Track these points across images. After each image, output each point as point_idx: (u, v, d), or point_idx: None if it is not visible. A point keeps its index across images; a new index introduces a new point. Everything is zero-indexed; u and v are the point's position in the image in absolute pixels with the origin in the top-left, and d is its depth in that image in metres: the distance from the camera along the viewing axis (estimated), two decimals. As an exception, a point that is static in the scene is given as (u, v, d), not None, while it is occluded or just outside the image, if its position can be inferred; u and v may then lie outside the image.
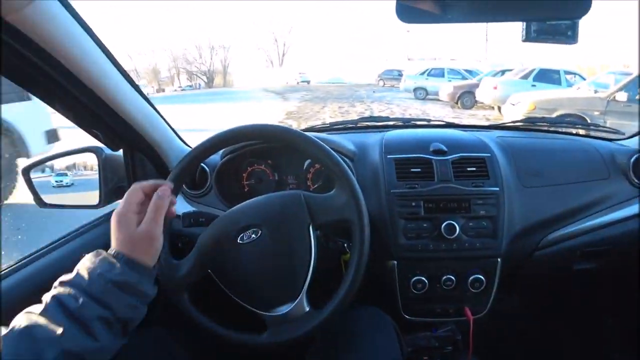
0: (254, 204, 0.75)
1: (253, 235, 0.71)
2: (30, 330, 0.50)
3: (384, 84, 21.49)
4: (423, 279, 0.94)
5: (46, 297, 0.53)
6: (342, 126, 1.30)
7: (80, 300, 0.52)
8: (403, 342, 0.82)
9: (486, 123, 1.32)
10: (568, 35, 0.71)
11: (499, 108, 8.66)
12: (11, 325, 0.51)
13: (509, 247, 0.94)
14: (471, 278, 0.94)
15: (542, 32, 0.70)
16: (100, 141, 0.92)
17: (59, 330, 0.49)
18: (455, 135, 1.10)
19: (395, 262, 0.94)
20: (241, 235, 0.71)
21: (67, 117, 0.81)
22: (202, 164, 0.98)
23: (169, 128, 1.00)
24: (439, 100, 12.10)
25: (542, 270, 1.08)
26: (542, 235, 1.01)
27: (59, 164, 1.00)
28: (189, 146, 1.05)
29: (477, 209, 0.92)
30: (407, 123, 1.32)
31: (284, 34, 41.97)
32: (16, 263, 0.76)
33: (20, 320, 0.51)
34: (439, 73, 13.79)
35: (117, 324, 0.55)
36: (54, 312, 0.51)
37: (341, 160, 0.72)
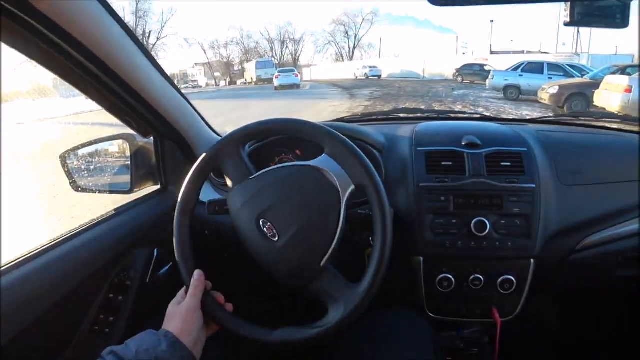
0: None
1: (271, 228, 0.69)
2: None
3: (463, 79, 18.86)
4: (450, 277, 0.91)
5: None
6: (374, 117, 1.28)
7: None
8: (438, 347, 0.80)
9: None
10: (617, 18, 0.67)
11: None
12: None
13: (543, 249, 0.90)
14: (501, 279, 0.91)
15: (588, 15, 0.67)
16: (132, 129, 0.94)
17: None
18: (491, 128, 1.06)
19: (422, 258, 0.92)
20: (262, 221, 0.70)
21: (101, 105, 0.83)
22: None
23: (198, 117, 1.02)
24: (537, 101, 10.01)
25: (579, 275, 1.02)
26: (581, 237, 0.95)
27: (93, 150, 1.02)
28: (218, 135, 1.06)
29: (511, 206, 0.88)
30: (442, 115, 1.29)
31: (355, 27, 40.75)
32: (49, 243, 0.75)
33: None
34: (536, 69, 11.24)
35: None
36: None
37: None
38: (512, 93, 11.31)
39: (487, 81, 12.68)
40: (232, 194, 0.73)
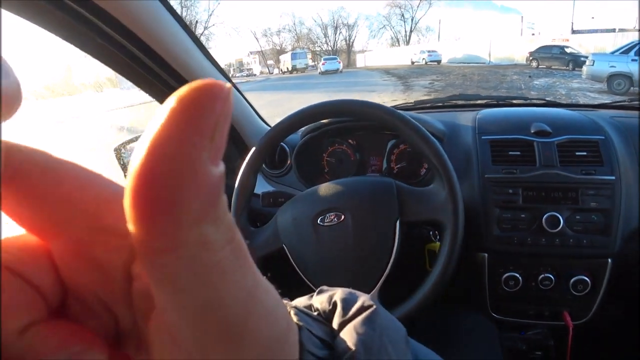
0: (341, 186, 0.71)
1: (335, 219, 0.68)
2: None
3: (538, 64, 15.80)
4: (517, 275, 0.85)
5: None
6: (429, 105, 1.24)
7: None
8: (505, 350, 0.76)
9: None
10: None
11: None
12: None
13: (623, 247, 0.81)
14: (574, 279, 0.83)
15: None
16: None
17: None
18: (561, 114, 0.97)
19: (486, 254, 0.86)
20: (322, 216, 0.68)
21: (156, 99, 0.86)
22: (282, 144, 0.98)
23: (249, 107, 1.03)
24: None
25: None
26: None
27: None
28: (268, 125, 1.08)
29: (587, 200, 0.80)
30: (501, 101, 1.21)
31: (411, 9, 38.16)
32: None
33: None
34: (654, 51, 9.09)
35: None
36: None
37: (445, 154, 0.67)
38: (620, 84, 8.62)
39: (584, 68, 10.11)
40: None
